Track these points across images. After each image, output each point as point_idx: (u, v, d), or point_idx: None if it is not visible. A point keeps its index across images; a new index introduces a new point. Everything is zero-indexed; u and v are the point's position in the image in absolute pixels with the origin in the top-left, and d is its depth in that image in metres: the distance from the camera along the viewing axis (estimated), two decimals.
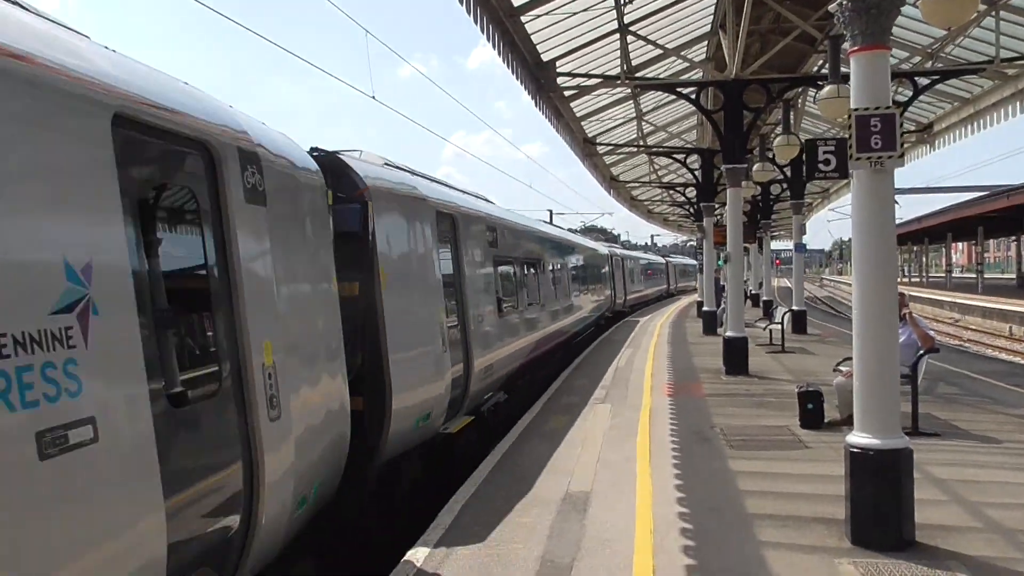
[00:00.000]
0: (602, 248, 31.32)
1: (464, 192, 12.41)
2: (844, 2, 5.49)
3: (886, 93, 5.60)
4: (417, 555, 5.75)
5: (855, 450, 5.58)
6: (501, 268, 12.79)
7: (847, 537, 5.68)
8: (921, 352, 9.25)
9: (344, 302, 6.42)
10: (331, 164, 7.28)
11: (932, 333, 9.70)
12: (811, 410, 9.67)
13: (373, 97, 12.90)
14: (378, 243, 7.59)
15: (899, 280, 6.52)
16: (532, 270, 15.61)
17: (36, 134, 3.19)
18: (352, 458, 6.32)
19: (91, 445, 3.18)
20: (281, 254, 5.12)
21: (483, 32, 13.10)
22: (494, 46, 13.74)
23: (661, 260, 60.33)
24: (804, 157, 11.49)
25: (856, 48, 5.54)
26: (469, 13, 12.41)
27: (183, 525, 3.88)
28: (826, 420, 9.68)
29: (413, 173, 9.74)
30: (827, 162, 9.12)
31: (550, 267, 17.73)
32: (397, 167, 9.26)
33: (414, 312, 8.37)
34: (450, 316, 9.48)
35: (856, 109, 5.55)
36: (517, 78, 15.26)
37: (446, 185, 11.45)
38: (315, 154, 6.87)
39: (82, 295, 3.23)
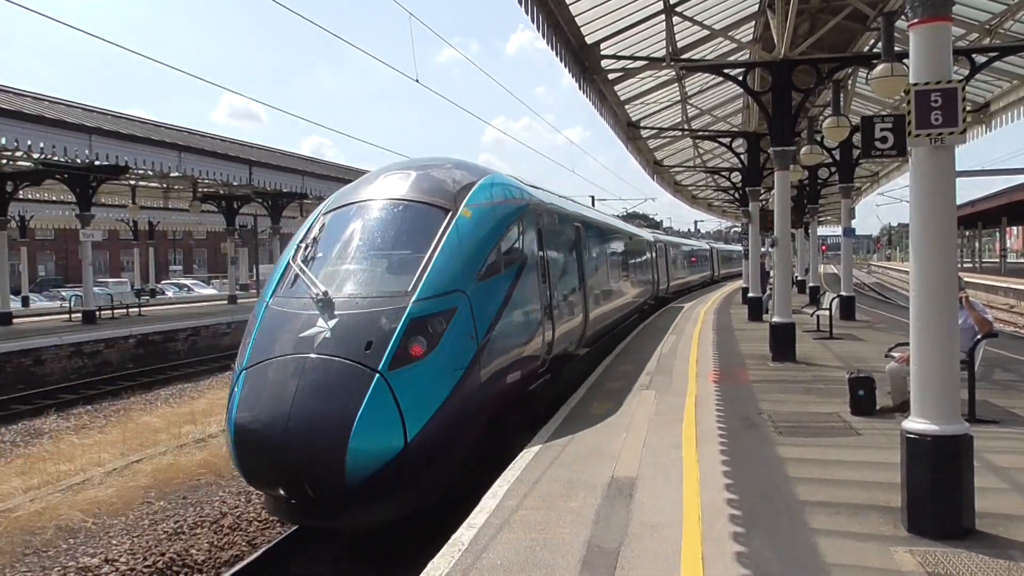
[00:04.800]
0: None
1: None
2: None
3: (948, 67, 5.40)
4: (463, 537, 5.74)
5: (912, 436, 5.42)
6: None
7: (903, 525, 5.53)
8: (979, 337, 8.97)
9: None
10: None
11: (989, 317, 9.41)
12: (862, 397, 9.45)
13: (416, 80, 12.88)
14: None
15: None
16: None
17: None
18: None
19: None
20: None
21: (528, 14, 12.98)
22: (538, 28, 13.62)
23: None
24: (860, 135, 11.18)
25: (916, 20, 5.34)
26: None
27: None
28: (878, 407, 9.46)
29: None
30: (884, 140, 8.84)
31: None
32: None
33: None
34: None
35: (916, 84, 5.37)
36: (561, 61, 15.11)
37: None
38: None
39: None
